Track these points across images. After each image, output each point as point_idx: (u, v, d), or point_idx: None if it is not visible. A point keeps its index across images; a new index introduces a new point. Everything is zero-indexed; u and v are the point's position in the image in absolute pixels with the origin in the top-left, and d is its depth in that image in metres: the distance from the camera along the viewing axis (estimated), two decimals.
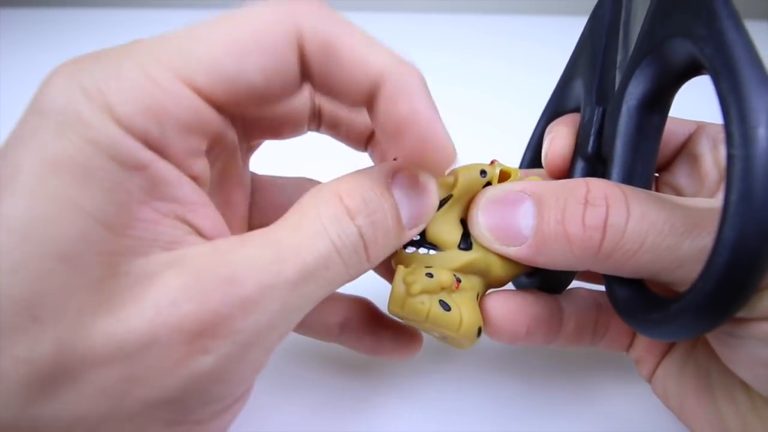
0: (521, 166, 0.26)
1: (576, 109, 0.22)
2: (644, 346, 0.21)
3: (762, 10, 0.67)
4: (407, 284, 0.17)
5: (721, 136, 0.20)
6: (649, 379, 0.21)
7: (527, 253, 0.17)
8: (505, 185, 0.18)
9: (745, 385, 0.17)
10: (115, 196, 0.12)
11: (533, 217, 0.17)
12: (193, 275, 0.12)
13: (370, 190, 0.15)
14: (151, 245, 0.13)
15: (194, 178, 0.14)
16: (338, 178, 0.16)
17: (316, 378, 0.24)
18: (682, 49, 0.15)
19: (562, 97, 0.24)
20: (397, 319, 0.18)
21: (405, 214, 0.16)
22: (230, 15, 0.14)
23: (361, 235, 0.15)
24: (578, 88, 0.22)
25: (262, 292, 0.12)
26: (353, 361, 0.24)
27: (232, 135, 0.16)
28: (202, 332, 0.12)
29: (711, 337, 0.17)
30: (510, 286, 0.20)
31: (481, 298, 0.19)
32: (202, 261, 0.13)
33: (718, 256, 0.13)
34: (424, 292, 0.17)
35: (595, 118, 0.19)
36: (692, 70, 0.16)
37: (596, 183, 0.16)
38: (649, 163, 0.18)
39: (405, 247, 0.18)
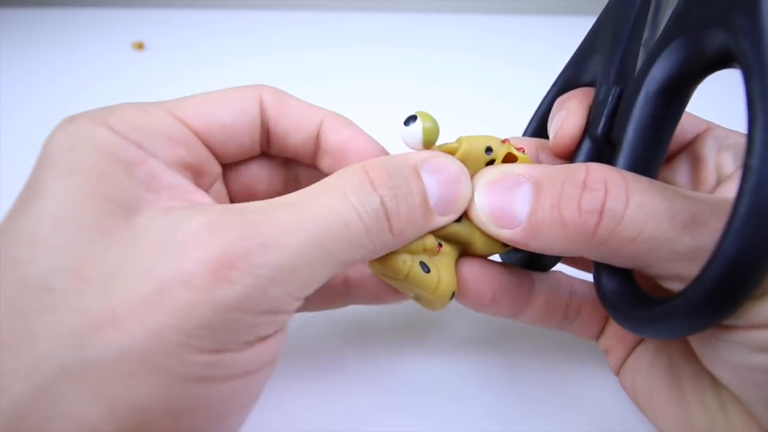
0: (525, 134, 0.25)
1: (590, 84, 0.21)
2: (615, 335, 0.21)
3: None
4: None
5: (728, 141, 0.20)
6: (617, 372, 0.21)
7: (521, 236, 0.17)
8: (506, 166, 0.18)
9: (715, 386, 0.17)
10: (123, 184, 0.15)
11: (529, 202, 0.17)
12: (212, 216, 0.14)
13: (397, 168, 0.16)
14: (163, 207, 0.15)
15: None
16: (368, 159, 0.17)
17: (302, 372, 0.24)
18: (716, 38, 0.14)
19: (578, 69, 0.22)
20: (380, 276, 0.19)
21: (434, 197, 0.17)
22: (212, 92, 0.19)
23: (383, 204, 0.15)
24: (596, 63, 0.21)
25: (279, 234, 0.14)
26: (335, 352, 0.24)
27: (216, 169, 0.19)
28: (225, 263, 0.13)
29: (692, 337, 0.17)
30: (497, 257, 0.21)
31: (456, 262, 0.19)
32: (219, 209, 0.14)
33: (715, 266, 0.13)
34: (407, 252, 0.17)
35: (610, 98, 0.18)
36: (722, 61, 0.15)
37: (597, 167, 0.16)
38: (658, 153, 0.17)
39: None
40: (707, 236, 0.14)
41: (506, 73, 0.54)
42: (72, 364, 0.12)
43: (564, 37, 0.65)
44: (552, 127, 0.20)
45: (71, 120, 0.16)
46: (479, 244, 0.18)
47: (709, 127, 0.20)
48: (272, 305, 0.14)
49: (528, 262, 0.20)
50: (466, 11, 0.72)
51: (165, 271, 0.13)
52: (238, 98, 0.19)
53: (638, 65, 0.18)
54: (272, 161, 0.21)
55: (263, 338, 0.15)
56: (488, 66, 0.56)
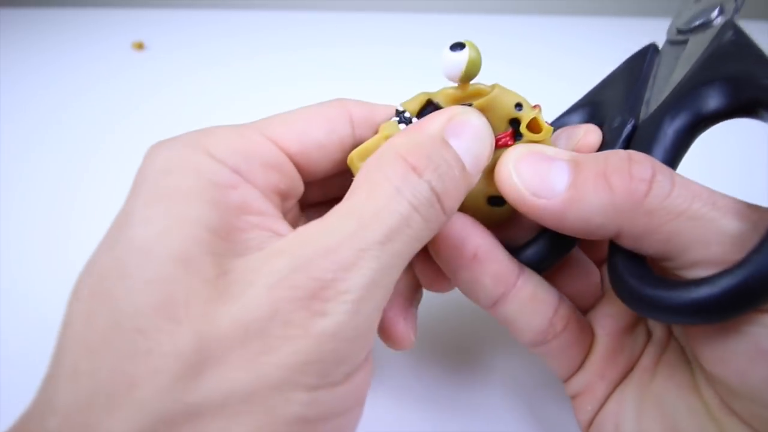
0: None
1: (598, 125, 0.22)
2: (598, 369, 0.19)
3: (762, 10, 0.67)
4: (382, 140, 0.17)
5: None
6: (589, 423, 0.19)
7: (558, 206, 0.16)
8: (538, 146, 0.17)
9: (715, 418, 0.16)
10: (216, 209, 0.15)
11: (568, 174, 0.16)
12: (291, 255, 0.14)
13: (430, 145, 0.16)
14: (247, 248, 0.15)
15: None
16: (393, 141, 0.16)
17: None
18: (750, 88, 0.16)
19: (585, 110, 0.23)
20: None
21: (467, 159, 0.16)
22: (301, 107, 0.19)
23: (433, 189, 0.15)
24: (603, 107, 0.22)
25: (356, 255, 0.14)
26: None
27: (300, 189, 0.19)
28: (315, 297, 0.13)
29: (715, 341, 0.15)
30: None
31: None
32: (295, 243, 0.14)
33: None
34: None
35: (627, 126, 0.19)
36: (749, 110, 0.16)
37: (636, 152, 0.16)
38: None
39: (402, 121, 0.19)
40: (751, 225, 0.14)
41: (506, 73, 0.54)
42: (174, 411, 0.12)
43: (564, 37, 0.66)
44: (568, 141, 0.20)
45: (165, 144, 0.16)
46: (471, 212, 0.18)
47: None
48: (364, 325, 0.14)
49: (516, 257, 0.19)
50: (467, 11, 0.72)
51: (255, 313, 0.13)
52: (329, 116, 0.19)
53: (642, 116, 0.19)
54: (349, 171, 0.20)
55: (358, 367, 0.14)
56: (488, 66, 0.56)
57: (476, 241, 0.18)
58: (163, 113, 0.46)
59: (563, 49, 0.60)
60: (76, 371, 0.13)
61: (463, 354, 0.25)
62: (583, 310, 0.20)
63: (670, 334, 0.19)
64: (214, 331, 0.13)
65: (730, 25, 0.18)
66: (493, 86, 0.18)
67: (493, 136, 0.17)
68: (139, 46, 0.58)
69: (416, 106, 0.19)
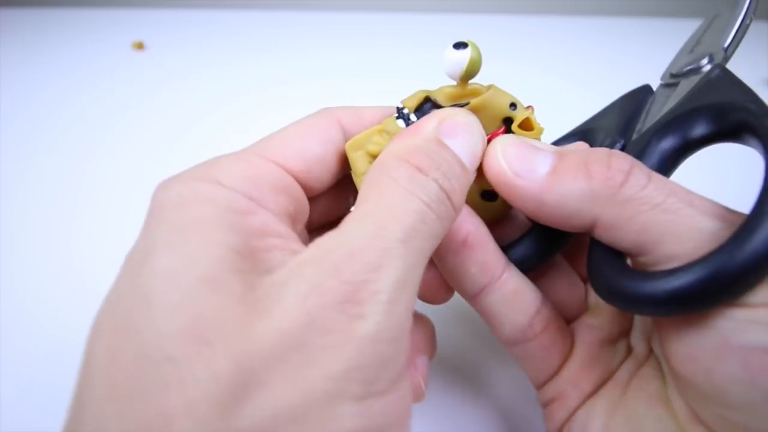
0: None
1: None
2: (572, 376, 0.19)
3: (762, 10, 0.67)
4: (373, 143, 0.18)
5: None
6: (561, 426, 0.19)
7: (539, 187, 0.17)
8: (527, 138, 0.18)
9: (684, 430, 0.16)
10: (237, 232, 0.15)
11: (552, 160, 0.17)
12: (318, 263, 0.14)
13: (428, 147, 0.16)
14: (272, 266, 0.14)
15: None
16: (390, 147, 0.17)
17: None
18: (734, 113, 0.17)
19: (578, 137, 0.24)
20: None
21: (463, 156, 0.17)
22: (290, 125, 0.19)
23: (441, 187, 0.15)
24: (595, 138, 0.22)
25: (382, 255, 0.14)
26: None
27: (307, 209, 0.19)
28: (349, 300, 0.13)
29: (685, 335, 0.15)
30: None
31: None
32: (318, 253, 0.14)
33: (757, 230, 0.13)
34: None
35: (617, 145, 0.20)
36: (737, 134, 0.17)
37: (617, 151, 0.17)
38: None
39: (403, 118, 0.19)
40: (727, 224, 0.14)
41: (507, 73, 0.54)
42: None
43: (565, 37, 0.66)
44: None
45: (174, 180, 0.16)
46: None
47: None
48: (399, 326, 0.14)
49: (508, 253, 0.20)
50: (467, 11, 0.72)
51: (292, 324, 0.12)
52: (321, 127, 0.19)
53: (633, 137, 0.20)
54: (345, 179, 0.20)
55: (400, 375, 0.14)
56: (489, 66, 0.56)
57: (468, 227, 0.18)
58: (163, 113, 0.46)
59: (564, 49, 0.60)
60: (101, 417, 0.12)
61: (454, 373, 0.25)
62: (566, 320, 0.20)
63: (650, 351, 0.19)
64: (251, 349, 0.12)
65: (717, 66, 0.19)
66: (489, 86, 0.18)
67: (483, 132, 0.18)
68: (139, 46, 0.58)
69: (414, 103, 0.19)
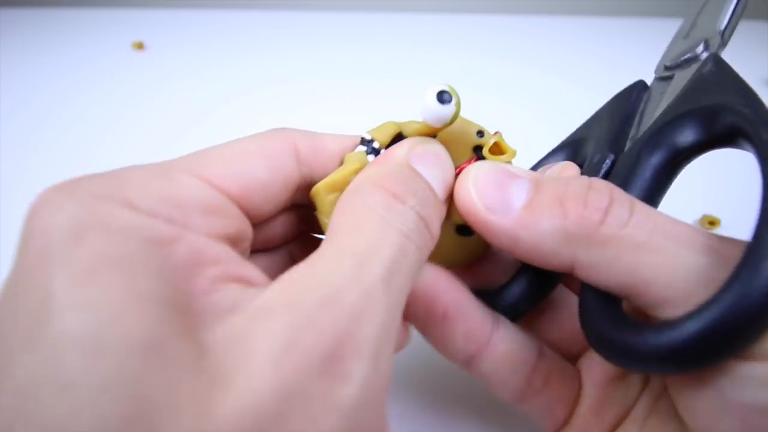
0: None
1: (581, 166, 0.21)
2: (585, 423, 0.17)
3: (762, 10, 0.67)
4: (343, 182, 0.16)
5: None
6: None
7: (512, 224, 0.15)
8: (501, 164, 0.17)
9: None
10: (163, 274, 0.11)
11: (527, 192, 0.15)
12: (289, 311, 0.11)
13: (404, 173, 0.15)
14: (220, 311, 0.12)
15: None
16: (365, 172, 0.16)
17: None
18: (726, 118, 0.15)
19: (568, 151, 0.23)
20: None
21: (434, 185, 0.16)
22: (237, 139, 0.16)
23: (419, 215, 0.14)
24: (586, 147, 0.21)
25: (363, 298, 0.12)
26: None
27: (250, 232, 0.16)
28: (331, 359, 0.11)
29: (684, 387, 0.14)
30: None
31: None
32: (286, 297, 0.12)
33: (757, 278, 0.11)
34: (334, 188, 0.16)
35: (606, 162, 0.18)
36: (730, 139, 0.16)
37: (599, 180, 0.16)
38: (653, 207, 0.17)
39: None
40: (720, 260, 0.13)
41: (508, 73, 0.54)
42: None
43: (566, 37, 0.66)
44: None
45: (63, 194, 0.12)
46: (443, 244, 0.17)
47: None
48: (384, 379, 0.12)
49: (494, 300, 0.18)
50: (467, 11, 0.72)
51: (264, 396, 0.10)
52: (272, 151, 0.16)
53: (626, 148, 0.19)
54: (294, 208, 0.18)
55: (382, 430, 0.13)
56: (490, 66, 0.56)
57: (445, 298, 0.17)
58: (163, 113, 0.46)
59: (564, 49, 0.60)
60: None
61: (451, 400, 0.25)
62: (570, 356, 0.19)
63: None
64: (215, 425, 0.10)
65: (711, 58, 0.18)
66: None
67: (452, 163, 0.17)
68: (139, 46, 0.58)
69: (386, 138, 0.18)
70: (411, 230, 0.14)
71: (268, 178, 0.16)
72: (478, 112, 0.51)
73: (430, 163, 0.16)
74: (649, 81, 0.22)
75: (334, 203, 0.16)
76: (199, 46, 0.60)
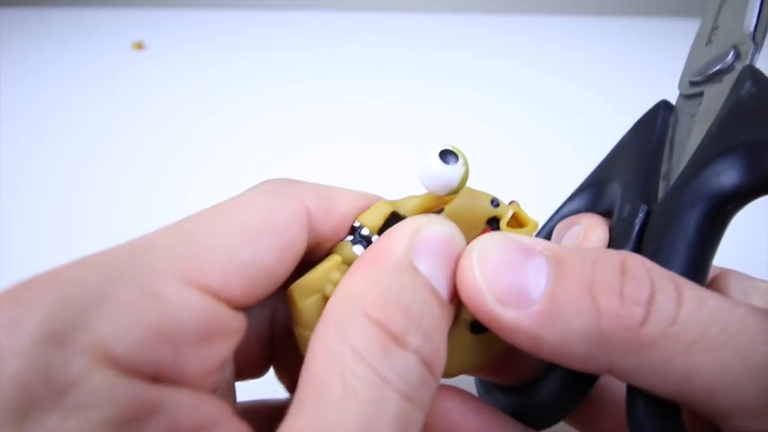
0: None
1: (605, 213, 0.18)
2: None
3: None
4: (332, 282, 0.13)
5: (753, 284, 0.16)
6: None
7: (531, 321, 0.12)
8: (513, 234, 0.14)
9: None
10: None
11: (546, 276, 0.12)
12: None
13: (402, 283, 0.12)
14: None
15: (214, 390, 0.12)
16: (351, 288, 0.12)
17: None
18: None
19: (591, 196, 0.19)
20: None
21: (440, 286, 0.13)
22: (234, 203, 0.13)
23: (422, 359, 0.11)
24: (612, 190, 0.18)
25: None
26: None
27: (240, 336, 0.13)
28: None
29: None
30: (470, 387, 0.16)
31: None
32: None
33: None
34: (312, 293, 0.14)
35: (639, 215, 0.15)
36: None
37: (632, 254, 0.12)
38: (702, 274, 0.14)
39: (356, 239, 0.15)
40: None
41: (509, 73, 0.54)
42: None
43: (566, 37, 0.65)
44: (568, 243, 0.16)
45: (21, 327, 0.09)
46: (453, 347, 0.13)
47: (724, 272, 0.16)
48: None
49: (521, 410, 0.15)
50: (467, 11, 0.72)
51: None
52: (280, 224, 0.13)
53: (659, 194, 0.16)
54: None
55: None
56: (490, 66, 0.56)
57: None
58: (162, 113, 0.46)
59: (564, 50, 0.60)
60: None
61: None
62: None
63: None
64: None
65: (748, 73, 0.15)
66: (463, 191, 0.15)
67: (465, 243, 0.14)
68: (139, 46, 0.58)
69: (378, 222, 0.15)
70: (413, 388, 0.11)
71: (277, 264, 0.12)
72: (479, 112, 0.52)
73: (438, 254, 0.13)
74: (657, 84, 0.20)
75: (311, 311, 0.13)
76: (199, 46, 0.60)
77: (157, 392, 0.10)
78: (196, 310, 0.11)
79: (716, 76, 0.16)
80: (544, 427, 0.15)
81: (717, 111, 0.15)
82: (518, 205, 0.15)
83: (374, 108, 0.47)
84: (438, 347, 0.12)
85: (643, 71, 0.54)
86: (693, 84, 0.17)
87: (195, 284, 0.11)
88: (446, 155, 0.14)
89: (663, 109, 0.18)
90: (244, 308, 0.12)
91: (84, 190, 0.37)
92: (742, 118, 0.14)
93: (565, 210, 0.20)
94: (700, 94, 0.17)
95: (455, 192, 0.14)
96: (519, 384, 0.15)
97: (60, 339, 0.09)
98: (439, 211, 0.15)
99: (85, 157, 0.40)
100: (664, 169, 0.16)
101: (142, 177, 0.39)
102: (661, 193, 0.16)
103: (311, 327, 0.13)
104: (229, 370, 0.13)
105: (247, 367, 0.16)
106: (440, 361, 0.12)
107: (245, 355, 0.13)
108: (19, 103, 0.47)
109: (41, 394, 0.09)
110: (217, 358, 0.11)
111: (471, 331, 0.15)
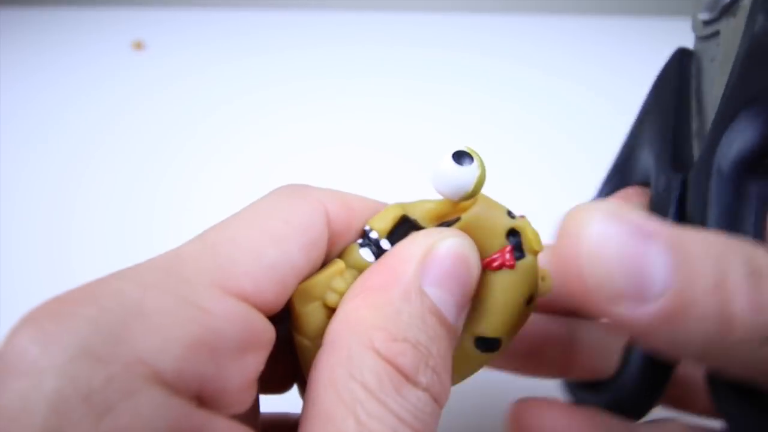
0: None
1: (643, 184, 0.18)
2: None
3: None
4: (334, 290, 0.13)
5: None
6: None
7: (653, 320, 0.10)
8: (626, 213, 0.12)
9: None
10: None
11: (667, 267, 0.10)
12: None
13: (410, 317, 0.11)
14: None
15: (245, 415, 0.11)
16: (359, 318, 0.11)
17: None
18: None
19: (625, 171, 0.19)
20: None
21: (449, 310, 0.12)
22: (253, 209, 0.13)
23: (432, 396, 0.11)
24: (644, 159, 0.17)
25: None
26: None
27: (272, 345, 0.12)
28: None
29: None
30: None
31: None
32: None
33: None
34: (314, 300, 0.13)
35: (674, 186, 0.15)
36: None
37: (758, 249, 0.11)
38: (755, 236, 0.13)
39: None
40: None
41: (508, 73, 0.54)
42: None
43: (567, 37, 0.65)
44: None
45: (53, 344, 0.08)
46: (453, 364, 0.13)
47: None
48: None
49: (613, 403, 0.14)
50: (467, 11, 0.72)
51: None
52: (304, 225, 0.12)
53: (695, 153, 0.15)
54: None
55: None
56: (491, 67, 0.56)
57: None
58: (162, 113, 0.46)
59: (565, 49, 0.60)
60: None
61: None
62: None
63: None
64: None
65: (760, 5, 0.14)
66: (476, 200, 0.14)
67: (478, 261, 0.13)
68: (139, 46, 0.58)
69: (387, 225, 0.14)
70: (425, 424, 0.11)
71: (304, 263, 0.12)
72: (479, 111, 0.52)
73: (449, 278, 0.12)
74: (682, 50, 0.18)
75: (311, 318, 0.13)
76: (199, 46, 0.59)
77: (199, 417, 0.09)
78: (235, 318, 0.10)
79: (728, 11, 0.15)
80: (641, 416, 0.15)
81: (734, 54, 0.14)
82: (527, 220, 0.14)
83: (375, 108, 0.47)
84: (445, 381, 0.12)
85: (644, 71, 0.54)
86: (706, 24, 0.16)
87: (229, 291, 0.11)
88: (460, 156, 0.13)
89: (682, 57, 0.17)
90: (275, 316, 0.12)
91: (84, 190, 0.37)
92: (760, 60, 0.13)
93: (605, 190, 0.19)
94: (717, 34, 0.16)
95: (470, 197, 0.13)
96: (601, 378, 0.15)
97: (100, 355, 0.08)
98: (455, 220, 0.14)
99: (85, 157, 0.40)
100: (695, 126, 0.15)
101: (143, 177, 0.39)
102: (696, 153, 0.15)
103: (310, 336, 0.13)
104: (255, 388, 0.12)
105: (272, 382, 0.15)
106: (446, 393, 0.12)
107: (270, 369, 0.13)
108: (19, 103, 0.47)
109: (79, 414, 0.08)
110: (254, 371, 0.11)
111: (477, 348, 0.14)
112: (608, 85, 0.52)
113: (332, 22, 0.67)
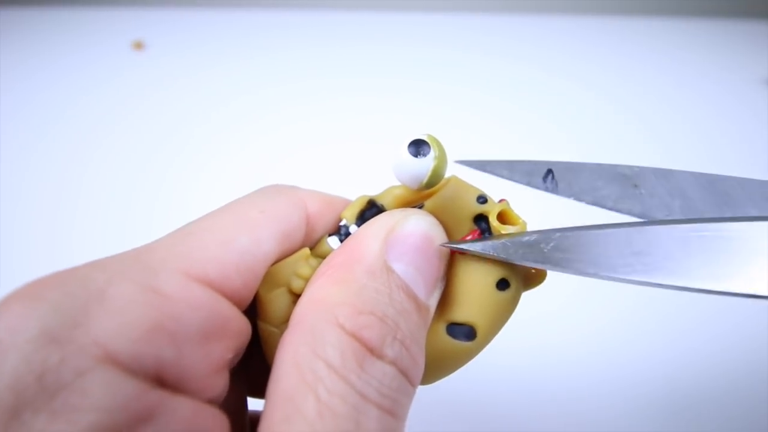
0: None
1: None
2: None
3: (762, 10, 0.67)
4: (299, 276, 0.13)
5: None
6: None
7: None
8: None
9: None
10: None
11: None
12: None
13: (376, 292, 0.11)
14: None
15: (214, 400, 0.11)
16: (322, 294, 0.11)
17: None
18: None
19: None
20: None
21: (418, 288, 0.12)
22: (233, 202, 0.13)
23: (401, 370, 0.11)
24: None
25: None
26: None
27: (248, 334, 0.12)
28: None
29: None
30: None
31: None
32: None
33: None
34: (280, 287, 0.13)
35: None
36: None
37: None
38: None
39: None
40: None
41: (508, 73, 0.54)
42: None
43: (567, 37, 0.65)
44: None
45: (24, 327, 0.09)
46: (429, 353, 0.13)
47: None
48: None
49: None
50: (467, 11, 0.72)
51: None
52: (280, 214, 0.13)
53: None
54: None
55: None
56: (491, 67, 0.56)
57: None
58: (162, 113, 0.46)
59: (565, 49, 0.60)
60: None
61: None
62: None
63: None
64: None
65: None
66: (448, 179, 0.14)
67: (446, 239, 0.13)
68: (139, 46, 0.58)
69: (355, 210, 0.14)
70: (393, 401, 0.10)
71: (277, 253, 0.12)
72: (479, 112, 0.52)
73: (416, 253, 0.12)
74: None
75: (275, 305, 0.13)
76: (199, 46, 0.60)
77: (155, 397, 0.09)
78: (197, 304, 0.10)
79: None
80: None
81: None
82: (508, 203, 0.14)
83: (375, 108, 0.48)
84: (416, 355, 0.11)
85: (644, 71, 0.54)
86: None
87: (195, 277, 0.11)
88: (418, 146, 0.13)
89: None
90: (247, 305, 0.12)
91: (84, 190, 0.37)
92: None
93: None
94: None
95: (428, 187, 0.13)
96: None
97: (57, 337, 0.09)
98: (421, 206, 0.14)
99: (85, 157, 0.40)
100: None
101: (142, 176, 0.39)
102: None
103: (274, 323, 0.13)
104: (240, 386, 0.12)
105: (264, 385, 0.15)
106: (419, 369, 0.11)
107: (263, 371, 0.12)
108: (19, 103, 0.47)
109: (34, 393, 0.08)
110: (219, 358, 0.11)
111: (449, 335, 0.14)
112: (609, 85, 0.52)
113: (332, 22, 0.67)
